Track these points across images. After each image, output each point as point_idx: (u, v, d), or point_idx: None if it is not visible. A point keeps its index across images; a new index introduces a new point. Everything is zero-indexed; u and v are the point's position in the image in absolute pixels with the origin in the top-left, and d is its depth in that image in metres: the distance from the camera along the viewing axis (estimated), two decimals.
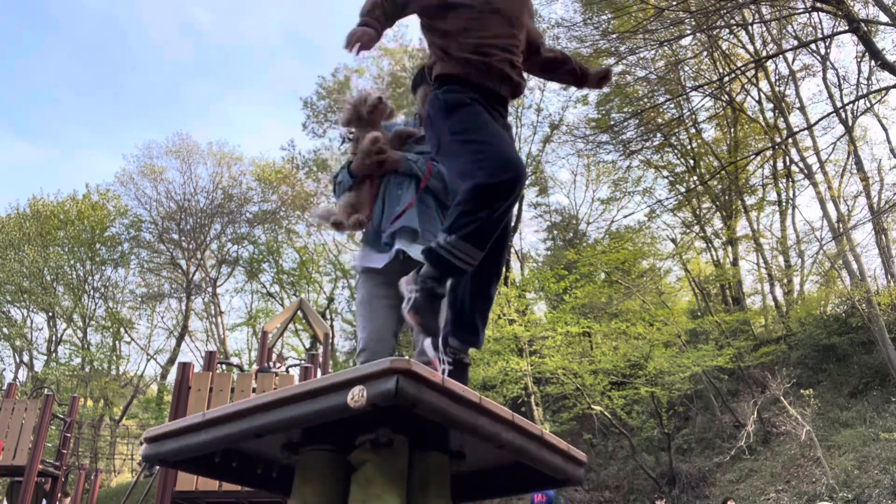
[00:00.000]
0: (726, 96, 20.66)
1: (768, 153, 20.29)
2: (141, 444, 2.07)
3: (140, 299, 31.86)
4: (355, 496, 1.62)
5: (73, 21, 50.71)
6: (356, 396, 1.41)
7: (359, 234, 2.92)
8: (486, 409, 1.58)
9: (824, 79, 18.59)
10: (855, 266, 17.57)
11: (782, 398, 15.14)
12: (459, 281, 1.98)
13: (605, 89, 22.00)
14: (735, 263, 22.57)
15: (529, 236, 46.59)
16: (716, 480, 16.16)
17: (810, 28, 17.58)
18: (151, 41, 49.49)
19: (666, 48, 17.95)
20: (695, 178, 22.60)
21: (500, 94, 2.06)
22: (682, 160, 23.71)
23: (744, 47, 20.19)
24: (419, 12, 2.12)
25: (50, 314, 31.10)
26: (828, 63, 18.40)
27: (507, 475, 2.08)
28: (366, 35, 1.95)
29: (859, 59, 17.63)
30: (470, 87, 1.99)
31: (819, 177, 18.47)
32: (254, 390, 6.51)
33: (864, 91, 16.88)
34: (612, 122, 20.51)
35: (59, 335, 31.40)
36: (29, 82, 47.73)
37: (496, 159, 1.80)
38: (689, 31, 16.02)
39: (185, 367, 6.29)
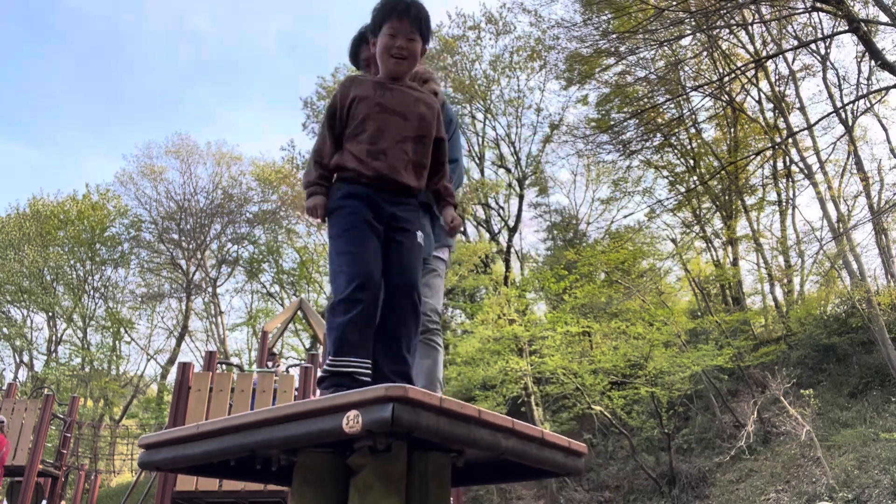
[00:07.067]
0: (726, 96, 20.66)
1: (768, 153, 20.29)
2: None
3: (140, 299, 31.88)
4: (354, 502, 1.62)
5: (74, 26, 50.77)
6: (351, 422, 1.41)
7: None
8: (485, 422, 1.58)
9: (824, 79, 18.61)
10: (855, 266, 17.57)
11: (782, 398, 15.14)
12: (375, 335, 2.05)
13: (605, 89, 22.04)
14: (735, 263, 22.57)
15: (529, 236, 46.69)
16: (716, 480, 16.16)
17: (810, 28, 17.59)
18: (151, 46, 49.54)
19: (666, 48, 17.97)
20: (695, 178, 22.61)
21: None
22: (682, 160, 23.72)
23: (744, 47, 20.20)
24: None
25: (50, 314, 31.11)
26: (828, 63, 18.40)
27: (507, 465, 2.09)
28: (319, 208, 2.05)
29: (859, 59, 17.64)
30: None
31: (819, 177, 18.47)
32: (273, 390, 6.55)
33: (864, 91, 16.88)
34: (612, 122, 20.53)
35: (59, 335, 31.42)
36: (30, 86, 47.79)
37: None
38: (689, 31, 16.03)
39: (185, 367, 6.28)
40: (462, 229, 2.32)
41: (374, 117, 2.09)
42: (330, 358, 1.93)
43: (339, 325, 1.90)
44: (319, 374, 1.99)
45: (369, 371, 1.93)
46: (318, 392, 1.94)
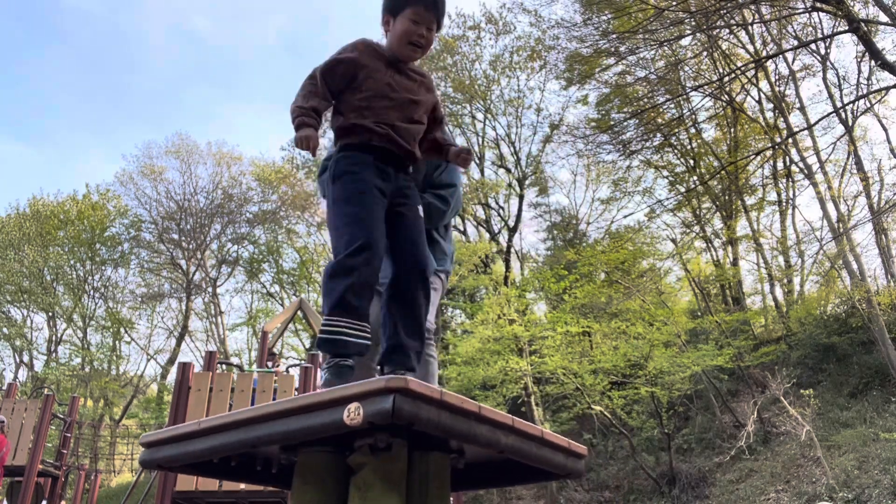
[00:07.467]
0: (726, 96, 20.66)
1: (768, 153, 20.29)
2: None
3: (140, 299, 31.87)
4: (354, 500, 1.62)
5: (74, 26, 50.76)
6: (352, 414, 1.42)
7: None
8: (485, 418, 1.58)
9: (824, 79, 18.61)
10: (855, 266, 17.57)
11: (782, 398, 15.14)
12: (385, 310, 2.04)
13: (605, 89, 22.04)
14: (735, 263, 22.57)
15: (529, 236, 46.68)
16: (716, 480, 16.16)
17: (810, 28, 17.59)
18: (151, 47, 49.58)
19: (666, 48, 17.96)
20: (695, 178, 22.61)
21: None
22: (682, 160, 23.72)
23: (744, 47, 20.20)
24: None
25: (50, 314, 31.10)
26: (828, 63, 18.40)
27: (506, 467, 2.09)
28: (312, 140, 2.01)
29: (859, 59, 17.63)
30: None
31: (819, 177, 18.48)
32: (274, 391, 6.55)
33: (864, 91, 16.88)
34: (612, 122, 20.52)
35: (59, 335, 31.41)
36: (30, 86, 47.81)
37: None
38: (689, 31, 16.03)
39: (185, 367, 6.27)
40: (470, 165, 2.39)
41: (383, 96, 2.12)
42: (325, 317, 1.90)
43: (337, 288, 1.88)
44: (318, 333, 1.97)
45: (367, 332, 1.91)
46: (319, 382, 1.94)
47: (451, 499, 1.87)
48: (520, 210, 27.40)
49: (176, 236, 30.75)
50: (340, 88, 2.13)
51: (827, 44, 17.55)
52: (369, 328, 1.92)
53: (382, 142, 2.07)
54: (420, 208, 2.18)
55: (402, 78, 2.17)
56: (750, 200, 22.63)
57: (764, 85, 20.71)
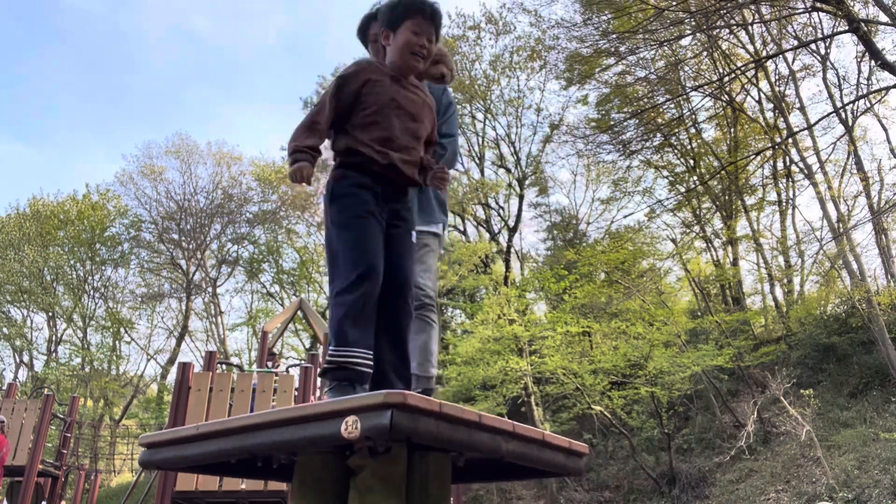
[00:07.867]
0: (726, 96, 20.65)
1: (768, 153, 20.29)
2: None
3: (140, 299, 31.86)
4: (354, 503, 1.62)
5: (74, 26, 50.75)
6: (350, 427, 1.42)
7: None
8: (485, 426, 1.58)
9: (824, 79, 18.60)
10: (855, 266, 17.56)
11: (782, 398, 15.14)
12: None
13: (605, 89, 22.04)
14: (735, 263, 22.56)
15: (529, 236, 46.68)
16: (716, 480, 16.15)
17: (810, 28, 17.58)
18: (151, 47, 49.58)
19: (666, 48, 17.96)
20: (695, 178, 22.60)
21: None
22: (682, 160, 23.71)
23: (744, 47, 20.19)
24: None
25: (50, 314, 31.09)
26: (828, 63, 18.40)
27: (507, 464, 2.09)
28: (305, 170, 2.03)
29: (859, 59, 17.63)
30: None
31: (819, 177, 18.47)
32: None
33: (864, 91, 16.88)
34: (612, 122, 20.52)
35: (59, 335, 31.40)
36: (30, 86, 47.80)
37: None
38: (689, 31, 16.03)
39: (185, 367, 6.27)
40: (450, 179, 2.40)
41: (388, 112, 2.12)
42: (332, 348, 1.94)
43: (342, 315, 1.92)
44: (323, 365, 2.00)
45: (371, 361, 1.94)
46: (319, 383, 1.96)
47: (452, 498, 1.87)
48: (520, 210, 27.41)
49: (176, 236, 30.74)
50: (348, 106, 2.13)
51: (827, 44, 17.56)
52: (371, 354, 1.96)
53: (384, 171, 2.08)
54: (414, 233, 2.21)
55: (406, 93, 2.18)
56: (750, 200, 22.63)
57: (764, 85, 20.72)
